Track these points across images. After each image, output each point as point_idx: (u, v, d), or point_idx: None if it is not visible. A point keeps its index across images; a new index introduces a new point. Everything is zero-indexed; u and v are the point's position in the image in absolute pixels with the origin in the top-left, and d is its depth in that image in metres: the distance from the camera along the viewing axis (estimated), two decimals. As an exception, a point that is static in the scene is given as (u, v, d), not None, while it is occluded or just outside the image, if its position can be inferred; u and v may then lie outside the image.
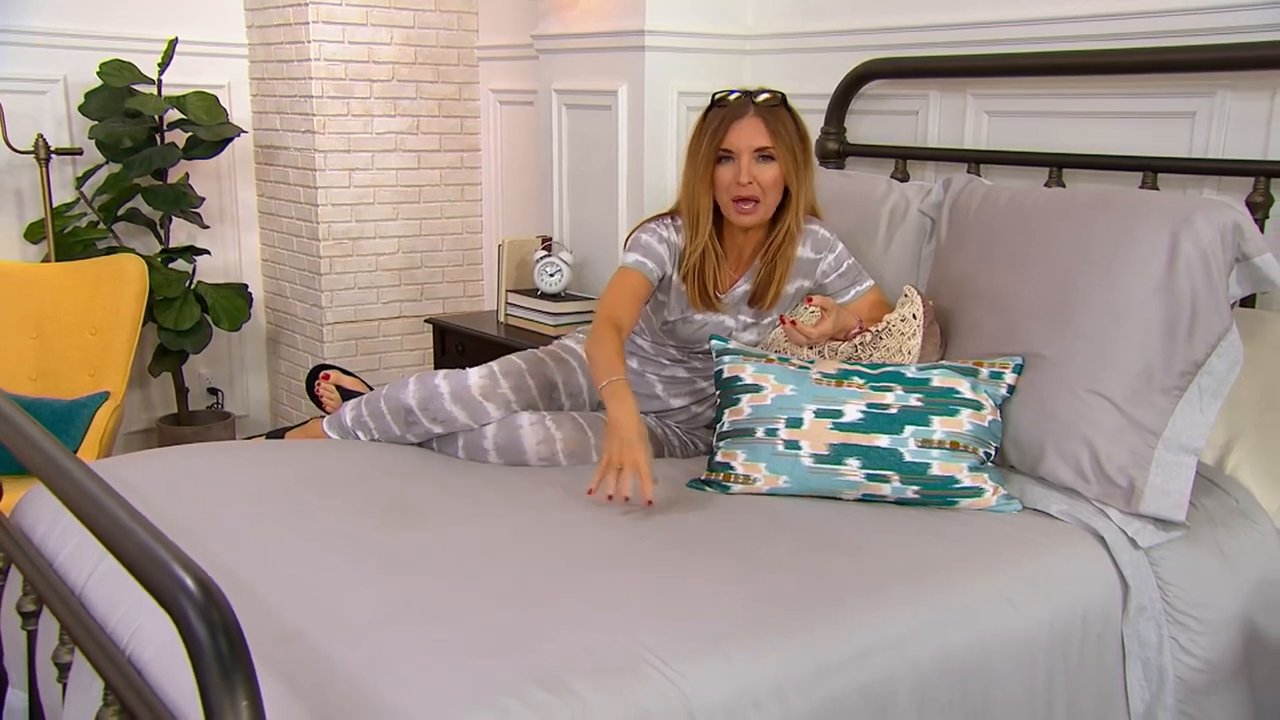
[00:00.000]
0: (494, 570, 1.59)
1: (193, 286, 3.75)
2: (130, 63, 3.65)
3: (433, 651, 1.34)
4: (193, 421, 3.96)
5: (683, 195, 2.23)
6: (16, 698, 1.74)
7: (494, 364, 2.26)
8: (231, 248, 4.17)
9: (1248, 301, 2.19)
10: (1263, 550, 1.91)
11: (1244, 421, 2.02)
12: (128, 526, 1.07)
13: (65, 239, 3.60)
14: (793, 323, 2.05)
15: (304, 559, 1.62)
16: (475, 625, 1.41)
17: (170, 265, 3.74)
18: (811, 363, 2.05)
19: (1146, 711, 1.78)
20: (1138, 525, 1.81)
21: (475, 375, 2.20)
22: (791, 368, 2.01)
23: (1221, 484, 1.97)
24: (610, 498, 1.82)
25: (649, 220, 2.28)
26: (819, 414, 1.92)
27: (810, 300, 2.10)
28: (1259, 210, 2.15)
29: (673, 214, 2.27)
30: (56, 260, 3.49)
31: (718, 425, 2.03)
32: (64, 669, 1.48)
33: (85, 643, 1.40)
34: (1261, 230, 2.08)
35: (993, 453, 1.95)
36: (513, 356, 2.30)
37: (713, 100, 2.19)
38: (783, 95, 2.19)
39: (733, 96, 2.17)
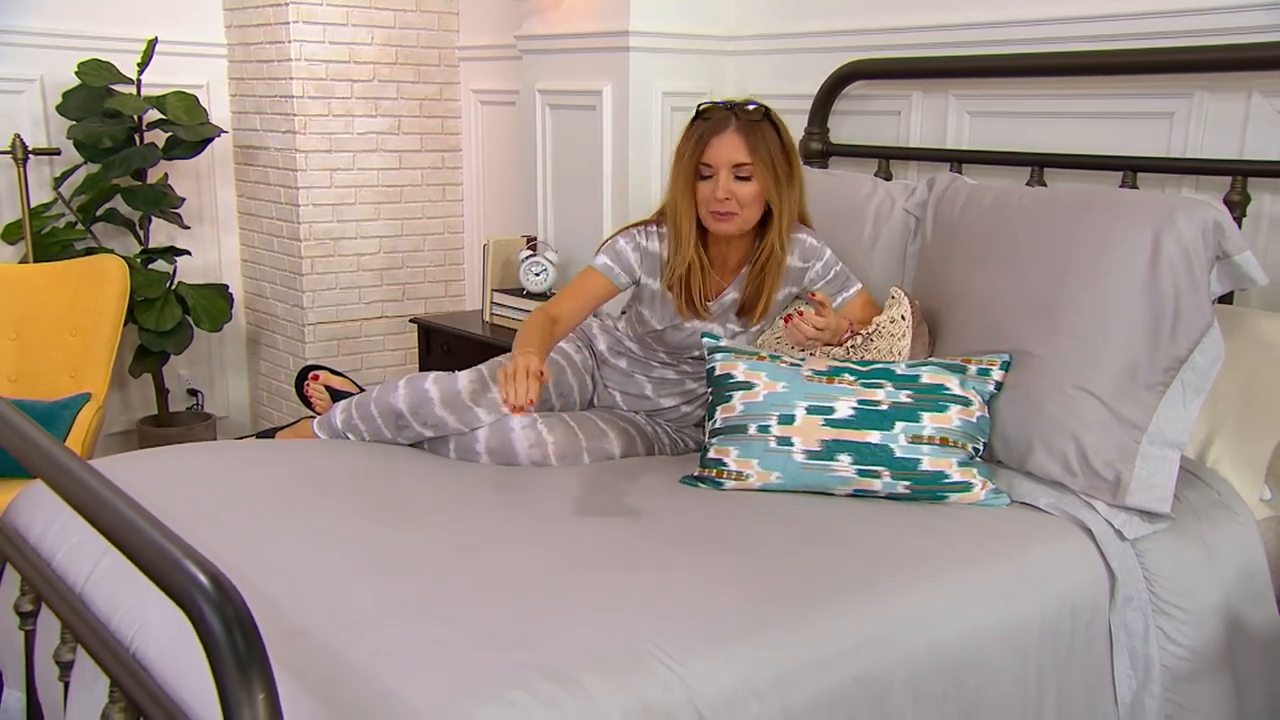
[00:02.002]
0: (492, 569, 1.60)
1: (173, 287, 3.73)
2: (109, 62, 3.62)
3: (435, 649, 1.34)
4: (173, 423, 3.94)
5: (668, 206, 2.20)
6: (14, 698, 1.72)
7: (483, 367, 2.26)
8: (211, 248, 4.15)
9: (1226, 299, 2.23)
10: (1243, 541, 1.95)
11: (1224, 416, 2.06)
12: (137, 524, 1.07)
13: (43, 240, 3.57)
14: (799, 313, 2.03)
15: (303, 558, 1.62)
16: (475, 623, 1.41)
17: (150, 266, 3.72)
18: (803, 360, 2.07)
19: (1134, 700, 1.81)
20: (1124, 518, 1.85)
21: (464, 379, 2.20)
22: (783, 365, 2.03)
23: (1203, 477, 2.01)
24: (510, 405, 1.81)
25: (632, 226, 2.26)
26: (811, 410, 1.94)
27: (813, 295, 2.10)
28: (1236, 208, 2.19)
29: (658, 220, 2.24)
30: (34, 261, 3.46)
31: (709, 422, 2.05)
32: (65, 668, 1.48)
33: (89, 640, 1.40)
34: (1239, 228, 2.12)
35: (981, 448, 1.97)
36: (501, 359, 2.30)
37: (697, 112, 2.16)
38: (766, 109, 2.14)
39: (714, 107, 2.14)
